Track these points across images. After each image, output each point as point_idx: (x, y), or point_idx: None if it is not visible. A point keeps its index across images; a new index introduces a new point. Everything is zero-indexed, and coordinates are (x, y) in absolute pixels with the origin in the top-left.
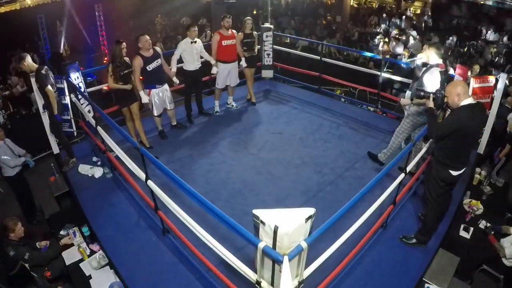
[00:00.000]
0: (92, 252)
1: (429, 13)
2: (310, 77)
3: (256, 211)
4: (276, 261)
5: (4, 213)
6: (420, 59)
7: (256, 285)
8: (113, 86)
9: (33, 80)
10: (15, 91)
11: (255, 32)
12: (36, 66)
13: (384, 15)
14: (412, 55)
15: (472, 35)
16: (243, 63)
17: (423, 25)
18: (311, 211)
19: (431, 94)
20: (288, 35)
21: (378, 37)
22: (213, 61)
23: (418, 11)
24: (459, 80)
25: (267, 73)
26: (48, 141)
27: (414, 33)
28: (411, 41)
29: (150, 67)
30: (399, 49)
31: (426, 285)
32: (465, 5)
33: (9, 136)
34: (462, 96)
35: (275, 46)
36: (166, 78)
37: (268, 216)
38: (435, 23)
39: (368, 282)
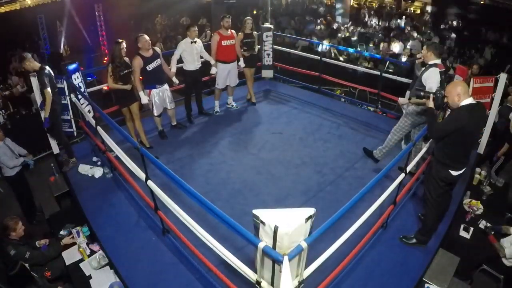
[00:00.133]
0: (92, 252)
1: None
2: (310, 77)
3: (256, 211)
4: (276, 261)
5: (4, 213)
6: (418, 59)
7: (256, 285)
8: (113, 86)
9: (33, 79)
10: (15, 91)
11: (255, 32)
12: (39, 65)
13: (384, 15)
14: (412, 55)
15: (472, 35)
16: (242, 63)
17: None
18: (311, 211)
19: (431, 94)
20: (288, 35)
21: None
22: (212, 61)
23: (418, 11)
24: (459, 80)
25: (267, 73)
26: (48, 141)
27: (414, 33)
28: (411, 41)
29: (150, 67)
30: (399, 49)
31: (426, 285)
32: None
33: (9, 136)
34: (462, 96)
35: (275, 46)
36: (166, 78)
37: (268, 216)
38: (435, 23)
39: (368, 282)
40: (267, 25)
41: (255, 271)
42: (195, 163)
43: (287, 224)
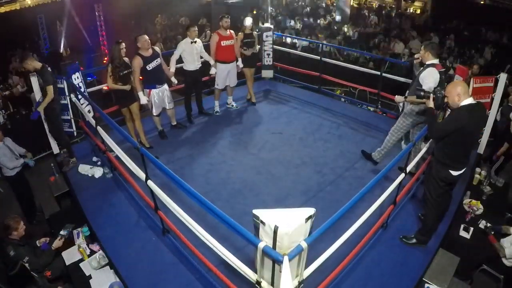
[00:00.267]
0: (92, 252)
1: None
2: (310, 77)
3: (256, 211)
4: (276, 261)
5: (4, 213)
6: (416, 59)
7: (256, 285)
8: (112, 86)
9: (33, 79)
10: (15, 91)
11: (255, 32)
12: (41, 64)
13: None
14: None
15: (472, 35)
16: (240, 63)
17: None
18: (311, 211)
19: (431, 94)
20: (288, 35)
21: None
22: (212, 62)
23: (418, 11)
24: (459, 80)
25: (267, 73)
26: (48, 141)
27: (414, 33)
28: (411, 41)
29: (150, 66)
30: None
31: (426, 285)
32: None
33: (9, 136)
34: (462, 96)
35: (275, 46)
36: (165, 78)
37: (268, 216)
38: (435, 23)
39: (368, 282)
40: (267, 25)
41: (255, 271)
42: (195, 163)
43: (287, 224)
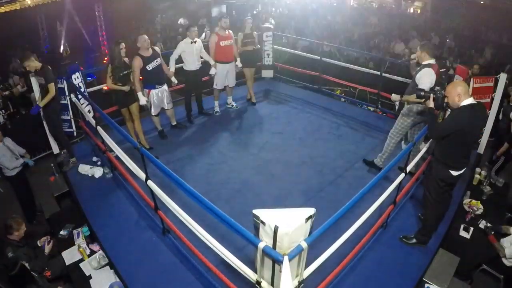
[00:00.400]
0: (92, 252)
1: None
2: (310, 77)
3: (256, 211)
4: (276, 261)
5: (4, 213)
6: (413, 59)
7: (256, 285)
8: (112, 86)
9: (33, 79)
10: (15, 91)
11: (255, 32)
12: (40, 64)
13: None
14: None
15: (472, 35)
16: (239, 63)
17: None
18: (311, 211)
19: (431, 94)
20: (288, 35)
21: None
22: (212, 62)
23: (418, 11)
24: (459, 80)
25: (267, 73)
26: (48, 141)
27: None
28: (411, 40)
29: (150, 66)
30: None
31: (426, 285)
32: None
33: (9, 136)
34: (463, 96)
35: (275, 46)
36: (165, 78)
37: (268, 216)
38: (435, 23)
39: (368, 282)
40: (267, 25)
41: (255, 271)
42: (195, 163)
43: (287, 224)
